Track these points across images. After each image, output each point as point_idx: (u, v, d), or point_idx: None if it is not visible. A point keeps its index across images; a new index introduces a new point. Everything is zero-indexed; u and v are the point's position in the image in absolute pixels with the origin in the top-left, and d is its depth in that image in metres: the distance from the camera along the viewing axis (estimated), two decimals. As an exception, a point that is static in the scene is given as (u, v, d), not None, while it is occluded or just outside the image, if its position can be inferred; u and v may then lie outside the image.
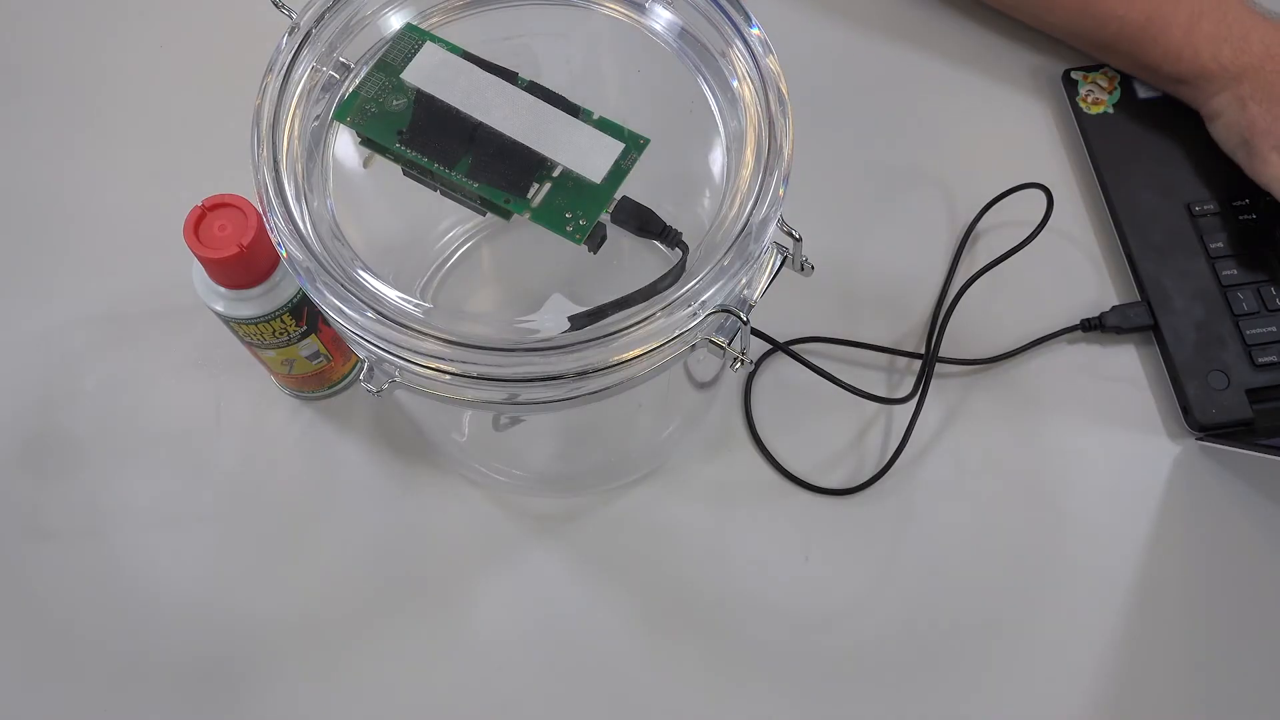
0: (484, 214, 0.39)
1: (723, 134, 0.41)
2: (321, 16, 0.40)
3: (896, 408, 0.54)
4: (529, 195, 0.37)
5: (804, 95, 0.62)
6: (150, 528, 0.50)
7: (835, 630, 0.49)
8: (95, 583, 0.49)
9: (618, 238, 0.53)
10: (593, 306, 0.36)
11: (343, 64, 0.41)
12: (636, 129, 0.39)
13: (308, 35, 0.39)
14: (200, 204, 0.42)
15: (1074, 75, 0.61)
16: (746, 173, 0.38)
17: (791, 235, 0.39)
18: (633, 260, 0.55)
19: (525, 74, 0.39)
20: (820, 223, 0.57)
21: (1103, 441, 0.53)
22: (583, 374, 0.35)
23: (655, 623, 0.49)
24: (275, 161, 0.37)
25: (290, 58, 0.39)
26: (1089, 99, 0.60)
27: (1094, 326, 0.55)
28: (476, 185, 0.37)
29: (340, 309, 0.35)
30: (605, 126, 0.38)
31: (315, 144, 0.40)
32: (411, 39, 0.39)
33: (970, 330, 0.55)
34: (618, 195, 0.37)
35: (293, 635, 0.48)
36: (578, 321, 0.36)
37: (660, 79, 0.44)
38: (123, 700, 0.47)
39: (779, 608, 0.49)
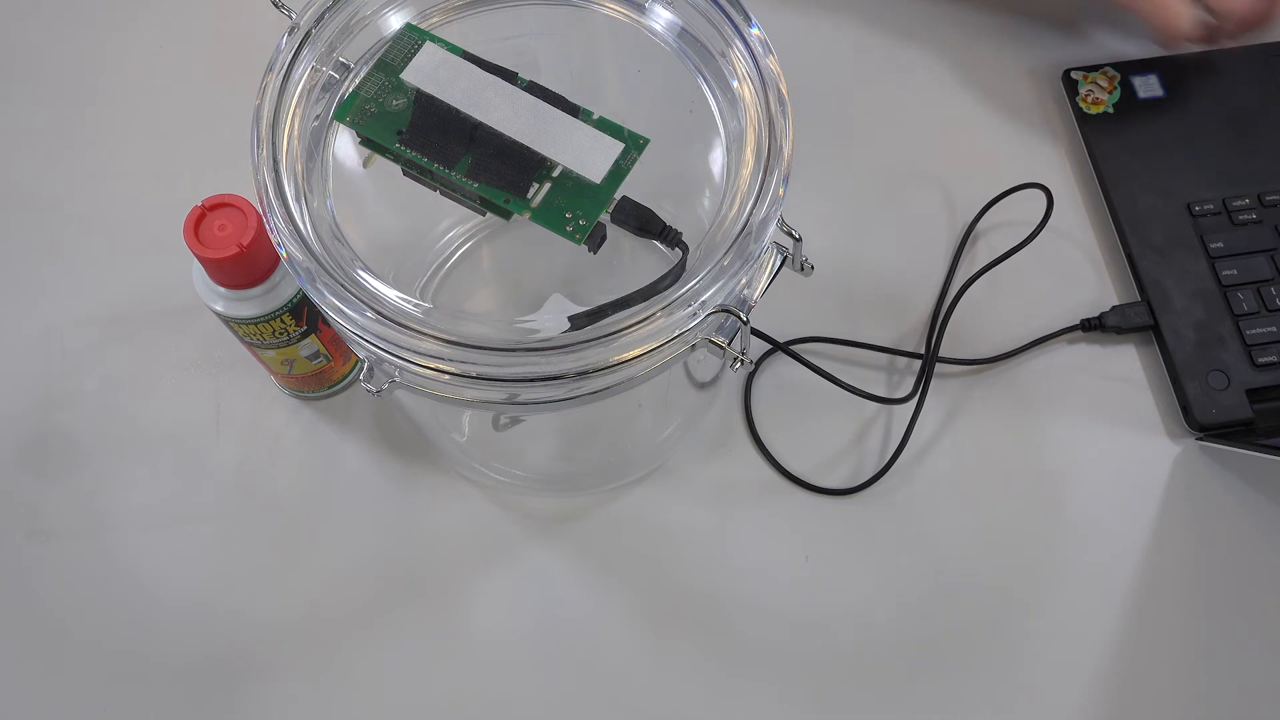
0: (484, 214, 0.39)
1: (723, 134, 0.41)
2: (321, 16, 0.40)
3: (896, 408, 0.54)
4: (529, 195, 0.37)
5: (804, 95, 0.62)
6: (150, 528, 0.50)
7: (835, 630, 0.49)
8: (95, 583, 0.49)
9: (618, 238, 0.53)
10: (593, 306, 0.36)
11: (342, 64, 0.41)
12: (636, 129, 0.39)
13: (308, 35, 0.39)
14: (200, 204, 0.42)
15: (1074, 75, 0.61)
16: (746, 173, 0.38)
17: (791, 235, 0.39)
18: (633, 260, 0.55)
19: (525, 74, 0.39)
20: (820, 223, 0.57)
21: (1103, 441, 0.53)
22: (583, 374, 0.35)
23: (655, 622, 0.49)
24: (275, 161, 0.37)
25: (290, 58, 0.39)
26: (1089, 99, 0.60)
27: (1094, 326, 0.55)
28: (476, 185, 0.37)
29: (340, 309, 0.35)
30: (605, 126, 0.38)
31: (315, 144, 0.40)
32: (411, 39, 0.39)
33: (970, 330, 0.55)
34: (618, 195, 0.37)
35: (292, 635, 0.48)
36: (578, 321, 0.36)
37: (660, 79, 0.44)
38: (123, 700, 0.47)
39: (779, 608, 0.49)
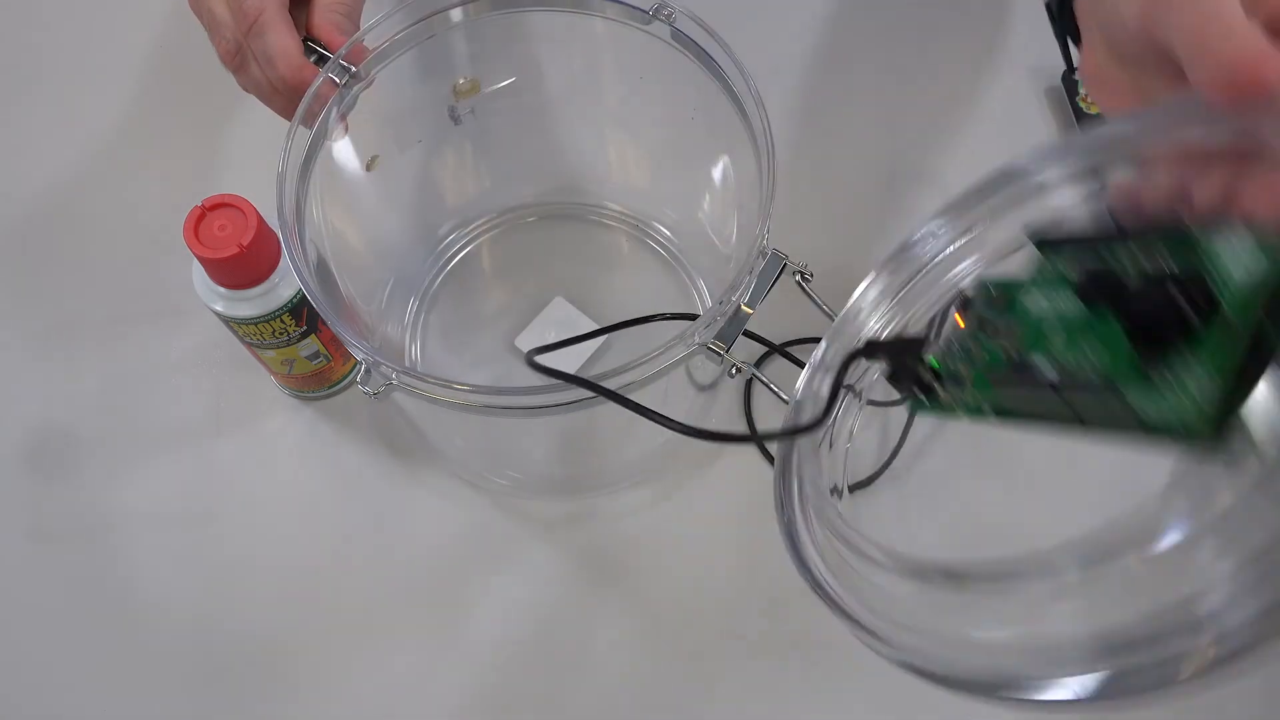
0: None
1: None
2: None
3: (893, 408, 0.53)
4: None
5: (803, 97, 0.62)
6: (150, 528, 0.50)
7: (836, 630, 0.49)
8: (95, 583, 0.49)
9: (616, 238, 0.53)
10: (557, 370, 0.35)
11: (344, 67, 0.41)
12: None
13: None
14: (200, 204, 0.42)
15: (1074, 75, 0.61)
16: (747, 177, 0.38)
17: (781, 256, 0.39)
18: (632, 260, 0.55)
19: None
20: (820, 223, 0.57)
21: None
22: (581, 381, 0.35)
23: (655, 625, 0.49)
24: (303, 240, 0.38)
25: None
26: (1089, 99, 0.60)
27: (1094, 329, 0.55)
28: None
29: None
30: None
31: (316, 147, 0.41)
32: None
33: (970, 332, 0.55)
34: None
35: (292, 636, 0.48)
36: (537, 367, 0.35)
37: (662, 85, 0.44)
38: (121, 699, 0.47)
39: (780, 607, 0.49)
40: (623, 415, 0.49)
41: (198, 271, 0.44)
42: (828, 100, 0.61)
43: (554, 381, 0.33)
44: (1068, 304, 0.29)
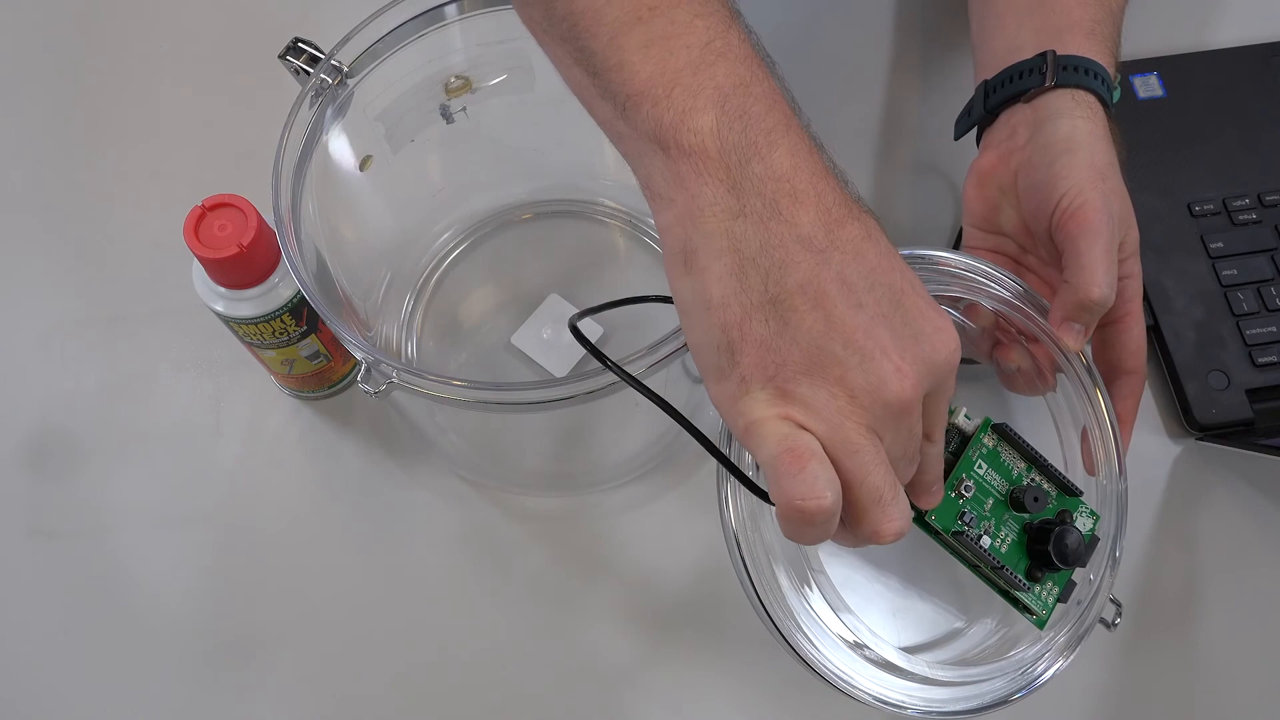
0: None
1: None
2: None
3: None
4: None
5: (802, 92, 0.62)
6: (150, 528, 0.50)
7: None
8: (95, 583, 0.49)
9: (612, 234, 0.53)
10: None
11: (335, 67, 0.41)
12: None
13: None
14: (200, 204, 0.42)
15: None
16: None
17: None
18: (627, 256, 0.55)
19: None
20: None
21: (1102, 441, 0.53)
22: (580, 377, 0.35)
23: (654, 622, 0.49)
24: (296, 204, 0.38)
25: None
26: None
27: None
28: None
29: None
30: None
31: (311, 146, 0.41)
32: None
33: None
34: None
35: (291, 635, 0.48)
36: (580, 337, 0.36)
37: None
38: (121, 700, 0.47)
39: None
40: (618, 412, 0.50)
41: (198, 271, 0.44)
42: (828, 96, 0.61)
43: (548, 372, 0.34)
44: (999, 491, 0.41)
